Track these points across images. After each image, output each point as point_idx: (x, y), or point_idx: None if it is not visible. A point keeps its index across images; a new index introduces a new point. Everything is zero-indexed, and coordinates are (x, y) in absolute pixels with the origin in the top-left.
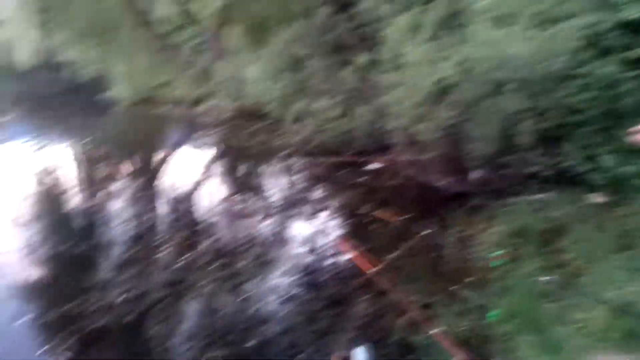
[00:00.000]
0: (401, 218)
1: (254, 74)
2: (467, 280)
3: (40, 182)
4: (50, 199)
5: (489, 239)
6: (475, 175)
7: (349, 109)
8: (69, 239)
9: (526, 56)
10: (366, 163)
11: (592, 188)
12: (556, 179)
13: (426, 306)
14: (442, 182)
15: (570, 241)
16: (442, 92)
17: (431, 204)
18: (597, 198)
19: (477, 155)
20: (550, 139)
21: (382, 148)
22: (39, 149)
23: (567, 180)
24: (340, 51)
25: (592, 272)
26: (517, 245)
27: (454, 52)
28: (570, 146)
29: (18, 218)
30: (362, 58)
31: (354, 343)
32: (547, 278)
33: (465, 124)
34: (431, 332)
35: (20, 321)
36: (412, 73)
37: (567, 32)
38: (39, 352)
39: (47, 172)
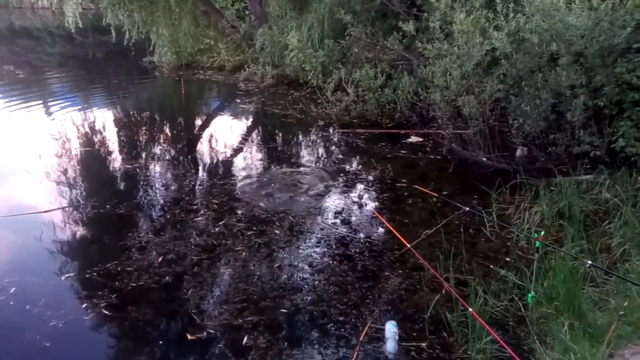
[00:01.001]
0: (441, 193)
1: (295, 40)
2: (506, 259)
3: (83, 144)
4: (92, 161)
5: (531, 218)
6: (520, 152)
7: (392, 79)
8: (110, 200)
9: (584, 27)
10: (407, 135)
11: None
12: (606, 159)
13: (462, 284)
14: (485, 158)
15: (617, 225)
16: (491, 63)
17: (473, 180)
18: None
19: (523, 132)
20: (603, 117)
21: (424, 121)
22: (82, 111)
23: (618, 161)
24: (385, 18)
25: (638, 258)
26: (560, 226)
27: (507, 21)
28: (624, 125)
29: (61, 178)
30: (408, 25)
31: (387, 316)
32: (590, 262)
33: (514, 97)
34: (466, 310)
35: (62, 278)
36: (461, 42)
37: (631, 2)
38: (80, 307)
39: (90, 134)
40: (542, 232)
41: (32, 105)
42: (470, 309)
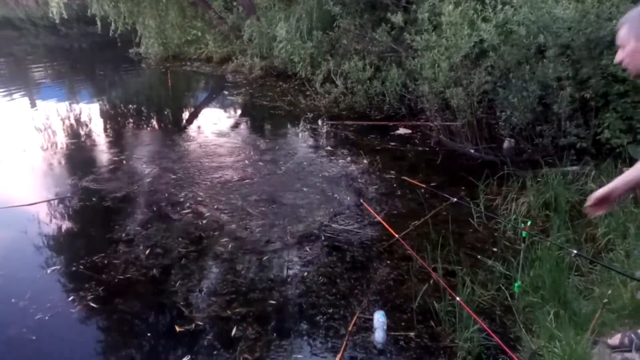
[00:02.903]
0: (429, 184)
1: (284, 32)
2: (493, 249)
3: (68, 136)
4: (78, 153)
5: (518, 209)
6: (508, 144)
7: (381, 70)
8: (96, 193)
9: (571, 20)
10: (395, 127)
11: (630, 161)
12: (592, 151)
13: (450, 274)
14: (473, 149)
15: (602, 215)
16: (479, 55)
17: (460, 171)
18: None
19: (511, 123)
20: (589, 109)
21: (412, 112)
22: (66, 102)
23: (603, 153)
24: (374, 10)
25: (622, 248)
26: (547, 217)
27: (495, 13)
28: (609, 117)
29: (46, 171)
30: (397, 17)
31: (376, 307)
32: (576, 251)
33: (501, 89)
34: (454, 299)
35: (48, 271)
36: (449, 34)
37: None
38: (67, 300)
39: (75, 126)
40: (529, 223)
41: (15, 97)
42: (458, 299)
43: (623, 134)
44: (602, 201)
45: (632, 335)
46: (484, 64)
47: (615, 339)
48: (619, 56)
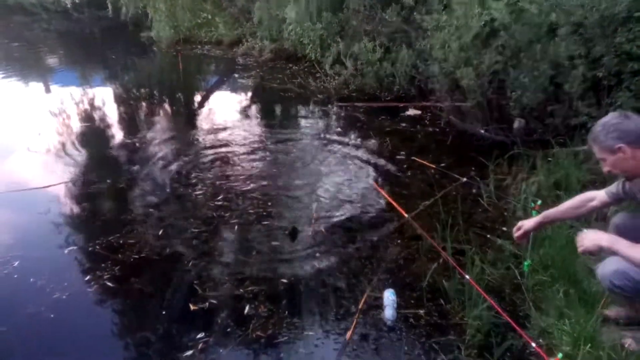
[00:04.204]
0: (439, 165)
1: (293, 14)
2: (503, 229)
3: (81, 120)
4: (92, 136)
5: (528, 189)
6: (518, 124)
7: (391, 52)
8: (110, 175)
9: None
10: (406, 108)
11: None
12: None
13: (460, 253)
14: (483, 130)
15: None
16: (490, 34)
17: (470, 152)
18: None
19: (522, 103)
20: (601, 88)
21: (422, 93)
22: (80, 87)
23: None
24: None
25: None
26: (557, 196)
27: None
28: (622, 96)
29: (61, 154)
30: None
31: (386, 285)
32: (585, 230)
33: (512, 69)
34: (463, 278)
35: (65, 251)
36: (460, 14)
37: None
38: (83, 280)
39: (89, 110)
40: (539, 202)
41: (29, 81)
42: (468, 277)
43: (636, 112)
44: (525, 234)
45: (628, 313)
46: (495, 43)
47: (612, 311)
48: (605, 169)
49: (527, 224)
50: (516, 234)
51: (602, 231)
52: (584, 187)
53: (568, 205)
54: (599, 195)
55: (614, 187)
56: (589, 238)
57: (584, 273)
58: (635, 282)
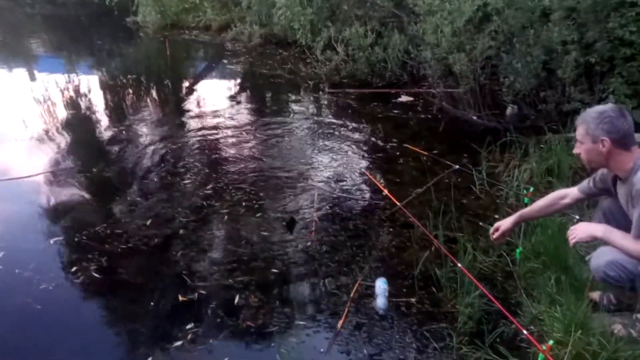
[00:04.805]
0: (431, 152)
1: None
2: (495, 216)
3: (67, 107)
4: (78, 124)
5: (521, 176)
6: (511, 110)
7: (382, 37)
8: (97, 164)
9: None
10: (398, 95)
11: (636, 127)
12: None
13: (452, 241)
14: (476, 116)
15: None
16: (483, 19)
17: (463, 138)
18: None
19: (514, 89)
20: (594, 74)
21: (415, 79)
22: (65, 73)
23: None
24: None
25: None
26: (549, 183)
27: None
28: (614, 82)
29: (46, 142)
30: None
31: (377, 273)
32: (577, 217)
33: (505, 55)
34: (455, 266)
35: (51, 241)
36: None
37: None
38: (70, 270)
39: (74, 97)
40: (531, 189)
41: (13, 68)
42: (459, 265)
43: (628, 99)
44: (503, 235)
45: (609, 295)
46: (488, 28)
47: (595, 294)
48: (576, 150)
49: (505, 224)
50: (494, 235)
51: (594, 222)
52: (576, 174)
53: (541, 204)
54: (570, 193)
55: (585, 183)
56: (582, 229)
57: (575, 260)
58: (628, 272)
